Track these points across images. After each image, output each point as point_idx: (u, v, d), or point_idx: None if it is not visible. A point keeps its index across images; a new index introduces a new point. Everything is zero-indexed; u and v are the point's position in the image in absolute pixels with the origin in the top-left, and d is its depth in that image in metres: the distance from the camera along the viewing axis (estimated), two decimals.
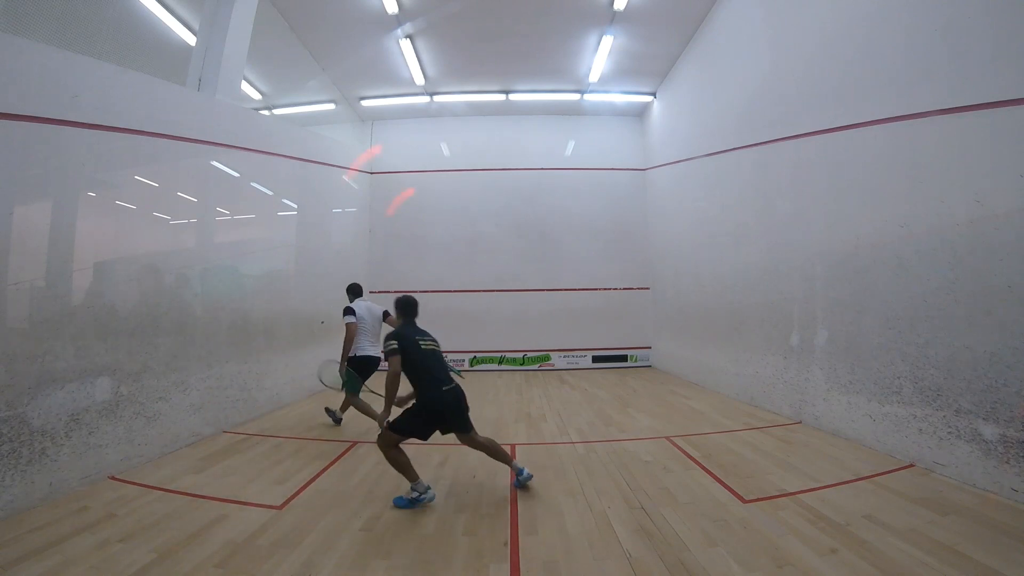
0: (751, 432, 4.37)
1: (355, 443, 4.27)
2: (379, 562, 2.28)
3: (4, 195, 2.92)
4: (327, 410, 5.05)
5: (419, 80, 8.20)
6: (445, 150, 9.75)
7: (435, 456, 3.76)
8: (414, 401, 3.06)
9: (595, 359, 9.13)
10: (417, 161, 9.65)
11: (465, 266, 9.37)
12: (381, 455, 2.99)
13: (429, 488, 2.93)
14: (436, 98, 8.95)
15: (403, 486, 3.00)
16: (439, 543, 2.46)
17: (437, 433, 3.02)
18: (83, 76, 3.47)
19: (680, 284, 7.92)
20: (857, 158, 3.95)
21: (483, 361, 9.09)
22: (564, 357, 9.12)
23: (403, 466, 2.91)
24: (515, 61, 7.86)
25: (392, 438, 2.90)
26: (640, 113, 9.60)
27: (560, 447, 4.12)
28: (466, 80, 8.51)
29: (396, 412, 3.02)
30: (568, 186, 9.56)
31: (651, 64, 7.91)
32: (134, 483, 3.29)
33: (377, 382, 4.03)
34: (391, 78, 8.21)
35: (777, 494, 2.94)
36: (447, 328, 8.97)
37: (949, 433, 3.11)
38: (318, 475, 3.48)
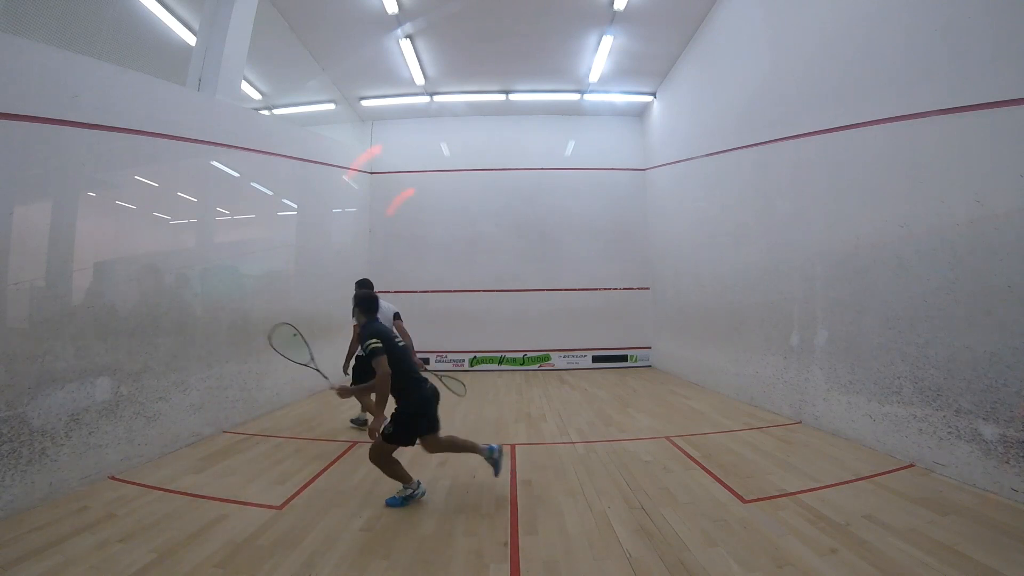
0: (751, 432, 4.37)
1: (355, 443, 4.27)
2: (379, 562, 2.28)
3: (4, 195, 2.92)
4: (352, 421, 4.91)
5: (419, 80, 8.20)
6: (445, 150, 9.74)
7: (435, 456, 3.75)
8: (397, 409, 2.94)
9: (595, 359, 9.13)
10: (417, 161, 9.64)
11: (465, 266, 9.37)
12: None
13: (419, 483, 2.97)
14: (436, 98, 8.95)
15: (397, 486, 3.01)
16: (439, 543, 2.46)
17: None
18: (83, 76, 3.47)
19: (680, 284, 7.92)
20: (857, 158, 3.95)
21: (483, 361, 9.09)
22: (564, 357, 9.12)
23: (400, 475, 2.93)
24: (515, 61, 7.85)
25: (388, 449, 2.88)
26: (640, 113, 9.60)
27: (560, 447, 4.12)
28: (466, 80, 8.51)
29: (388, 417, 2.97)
30: (568, 186, 9.56)
31: (651, 64, 7.90)
32: (134, 483, 3.29)
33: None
34: (391, 78, 8.20)
35: (777, 494, 2.94)
36: (447, 328, 9.05)
37: (949, 433, 3.11)
38: (318, 475, 3.49)
